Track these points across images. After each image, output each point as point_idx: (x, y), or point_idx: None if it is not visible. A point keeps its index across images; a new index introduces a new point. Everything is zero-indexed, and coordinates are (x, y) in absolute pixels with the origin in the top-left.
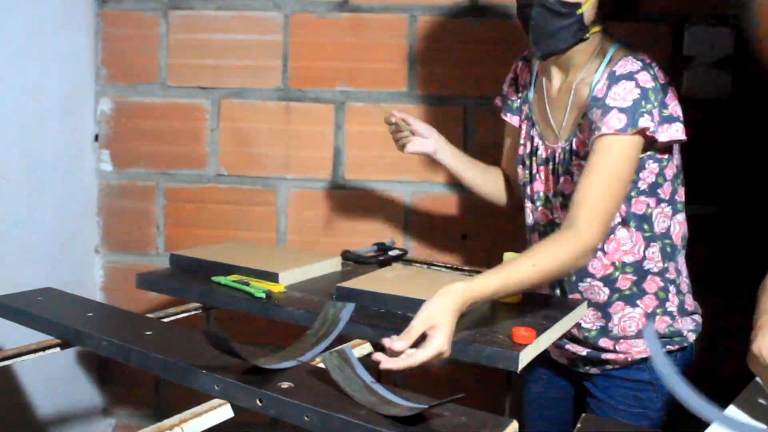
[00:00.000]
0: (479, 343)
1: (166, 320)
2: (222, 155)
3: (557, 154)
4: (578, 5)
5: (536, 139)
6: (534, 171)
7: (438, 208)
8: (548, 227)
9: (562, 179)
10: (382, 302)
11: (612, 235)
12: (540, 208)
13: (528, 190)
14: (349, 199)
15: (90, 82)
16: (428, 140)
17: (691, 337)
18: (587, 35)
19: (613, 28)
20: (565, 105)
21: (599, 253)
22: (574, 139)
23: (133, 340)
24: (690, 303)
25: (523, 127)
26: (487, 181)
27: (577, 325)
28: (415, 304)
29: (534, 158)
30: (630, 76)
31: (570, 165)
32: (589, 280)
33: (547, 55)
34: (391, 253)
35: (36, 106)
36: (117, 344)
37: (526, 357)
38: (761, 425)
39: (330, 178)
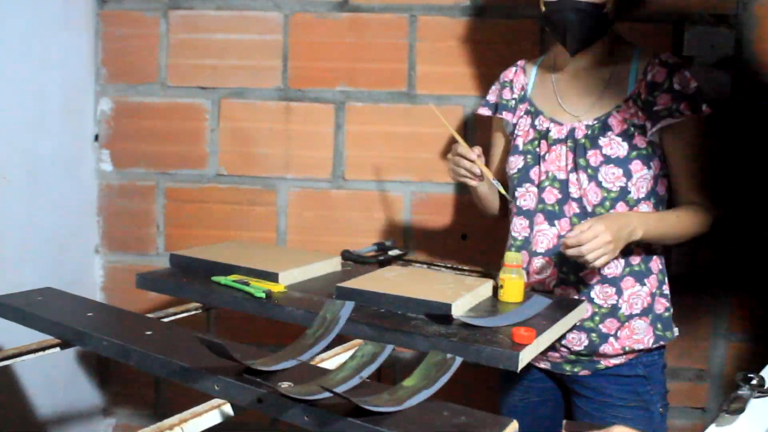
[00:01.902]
0: (479, 343)
1: (166, 320)
2: (222, 155)
3: (578, 130)
4: (604, 5)
5: (545, 124)
6: (542, 153)
7: (438, 208)
8: (559, 204)
9: (589, 152)
10: (382, 302)
11: (635, 208)
12: (547, 188)
13: (531, 173)
14: (349, 199)
15: (90, 82)
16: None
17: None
18: (611, 28)
19: (614, 27)
20: (587, 86)
21: None
22: (610, 118)
23: (133, 340)
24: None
25: (522, 121)
26: (493, 193)
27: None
28: (415, 304)
29: (543, 141)
30: (684, 65)
31: (599, 139)
32: None
33: (578, 50)
34: (391, 253)
35: (36, 106)
36: (117, 344)
37: (526, 357)
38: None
39: (330, 178)
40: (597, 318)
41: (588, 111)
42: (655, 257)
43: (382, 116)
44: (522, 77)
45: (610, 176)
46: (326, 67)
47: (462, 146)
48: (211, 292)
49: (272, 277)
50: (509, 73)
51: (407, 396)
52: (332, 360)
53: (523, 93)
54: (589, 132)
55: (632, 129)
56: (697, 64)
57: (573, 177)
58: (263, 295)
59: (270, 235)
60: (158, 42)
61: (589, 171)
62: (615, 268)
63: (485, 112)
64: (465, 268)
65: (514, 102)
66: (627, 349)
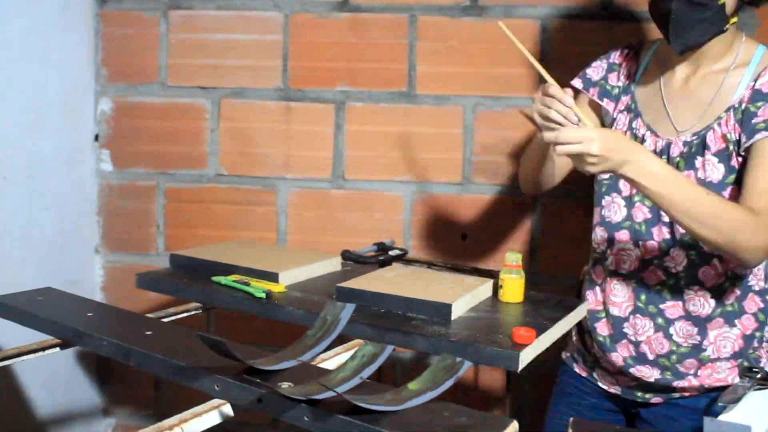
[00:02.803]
0: (479, 343)
1: (166, 320)
2: (222, 155)
3: (674, 147)
4: None
5: (642, 130)
6: None
7: (438, 208)
8: (647, 225)
9: (684, 173)
10: (382, 302)
11: None
12: (637, 203)
13: (620, 183)
14: (349, 199)
15: (90, 82)
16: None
17: None
18: (727, 26)
19: (614, 27)
20: (695, 97)
21: (715, 260)
22: (710, 133)
23: (133, 340)
24: None
25: (621, 117)
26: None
27: (659, 343)
28: (415, 304)
29: None
30: None
31: (695, 159)
32: (696, 288)
33: (686, 49)
34: (391, 253)
35: (36, 106)
36: (117, 344)
37: (526, 357)
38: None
39: (330, 178)
40: (674, 357)
41: (691, 124)
42: (751, 295)
43: (382, 116)
44: (633, 63)
45: None
46: (326, 67)
47: (554, 86)
48: (211, 292)
49: (272, 277)
50: (620, 55)
51: (410, 397)
52: (332, 360)
53: (627, 83)
54: (686, 150)
55: (730, 147)
56: None
57: None
58: (263, 295)
59: (270, 235)
60: (158, 42)
61: None
62: (703, 308)
63: (578, 85)
64: (465, 268)
65: (618, 90)
66: (707, 386)
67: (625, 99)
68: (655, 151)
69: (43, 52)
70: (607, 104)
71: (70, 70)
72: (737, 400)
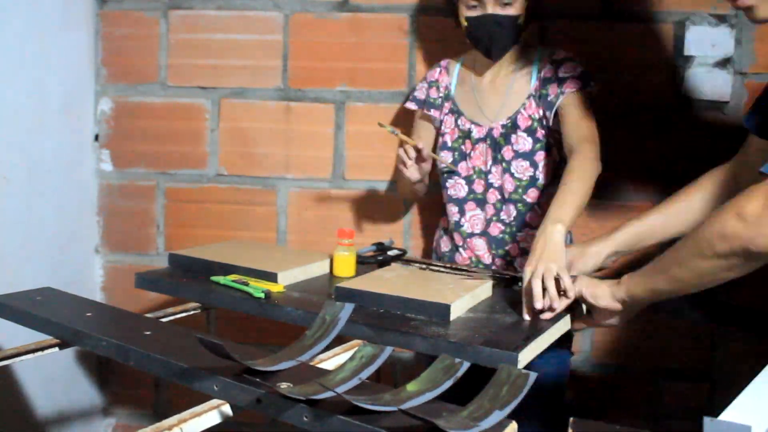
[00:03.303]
0: (478, 343)
1: (165, 320)
2: (222, 155)
3: (495, 130)
4: (518, 17)
5: (467, 125)
6: (467, 151)
7: (438, 208)
8: (483, 194)
9: (504, 149)
10: (381, 302)
11: (546, 191)
12: (476, 180)
13: (459, 168)
14: (349, 199)
15: (90, 82)
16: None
17: None
18: (520, 38)
19: (614, 27)
20: (501, 92)
21: (536, 207)
22: (518, 116)
23: (133, 340)
24: None
25: (448, 119)
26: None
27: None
28: (414, 304)
29: (467, 140)
30: (571, 58)
31: (511, 136)
32: (526, 230)
33: (500, 55)
34: (391, 253)
35: (36, 106)
36: (116, 344)
37: (524, 358)
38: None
39: (330, 178)
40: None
41: (500, 112)
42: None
43: (382, 116)
44: (446, 77)
45: (521, 168)
46: (326, 67)
47: (412, 142)
48: (210, 292)
49: (271, 277)
50: (435, 74)
51: (409, 397)
52: (331, 360)
53: (447, 92)
54: (503, 131)
55: (534, 124)
56: (697, 64)
57: (493, 169)
58: (262, 295)
59: (270, 235)
60: (158, 42)
61: (504, 165)
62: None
63: (412, 106)
64: (464, 268)
65: (440, 100)
66: None
67: (447, 105)
68: (480, 138)
69: (43, 52)
70: (434, 113)
71: (70, 70)
72: None
